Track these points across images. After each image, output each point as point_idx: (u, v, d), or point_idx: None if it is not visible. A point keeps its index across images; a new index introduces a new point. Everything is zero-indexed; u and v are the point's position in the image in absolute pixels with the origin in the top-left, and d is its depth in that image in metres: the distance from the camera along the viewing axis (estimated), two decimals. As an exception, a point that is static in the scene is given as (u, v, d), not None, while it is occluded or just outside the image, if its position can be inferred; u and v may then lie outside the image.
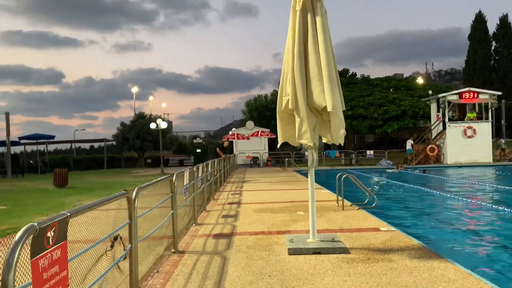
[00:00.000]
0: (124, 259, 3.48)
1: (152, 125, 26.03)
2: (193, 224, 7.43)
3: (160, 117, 40.31)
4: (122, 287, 3.60)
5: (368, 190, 9.13)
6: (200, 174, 8.51)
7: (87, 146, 52.16)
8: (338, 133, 5.14)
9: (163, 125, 25.58)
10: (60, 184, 16.01)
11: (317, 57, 4.99)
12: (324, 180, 14.93)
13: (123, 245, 3.49)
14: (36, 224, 1.99)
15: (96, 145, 49.70)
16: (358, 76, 48.19)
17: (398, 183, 17.09)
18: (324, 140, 5.64)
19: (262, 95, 50.78)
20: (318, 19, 5.12)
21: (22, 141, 33.50)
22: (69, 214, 2.32)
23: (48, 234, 2.13)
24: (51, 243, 2.16)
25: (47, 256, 2.12)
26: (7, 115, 26.48)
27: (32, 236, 1.97)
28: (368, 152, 30.38)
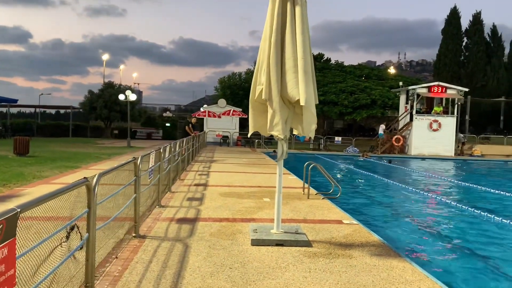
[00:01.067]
0: (81, 249, 3.34)
1: (121, 97, 25.26)
2: (157, 206, 7.29)
3: (129, 87, 39.39)
4: (77, 277, 3.47)
5: (333, 180, 9.24)
6: (167, 155, 8.33)
7: (52, 111, 50.36)
8: (309, 128, 5.09)
9: (132, 97, 24.89)
10: (21, 152, 15.40)
11: (294, 48, 4.88)
12: (292, 164, 15.00)
13: (80, 234, 3.34)
14: (-20, 224, 1.83)
15: (62, 110, 48.03)
16: (332, 61, 48.30)
17: (364, 172, 17.39)
18: (295, 132, 5.59)
19: (236, 73, 50.16)
20: (297, 9, 4.99)
21: (-19, 103, 31.98)
22: (19, 210, 2.16)
23: (-6, 233, 1.98)
24: (-3, 242, 2.01)
25: (-8, 256, 1.97)
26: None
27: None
28: (336, 138, 30.77)
